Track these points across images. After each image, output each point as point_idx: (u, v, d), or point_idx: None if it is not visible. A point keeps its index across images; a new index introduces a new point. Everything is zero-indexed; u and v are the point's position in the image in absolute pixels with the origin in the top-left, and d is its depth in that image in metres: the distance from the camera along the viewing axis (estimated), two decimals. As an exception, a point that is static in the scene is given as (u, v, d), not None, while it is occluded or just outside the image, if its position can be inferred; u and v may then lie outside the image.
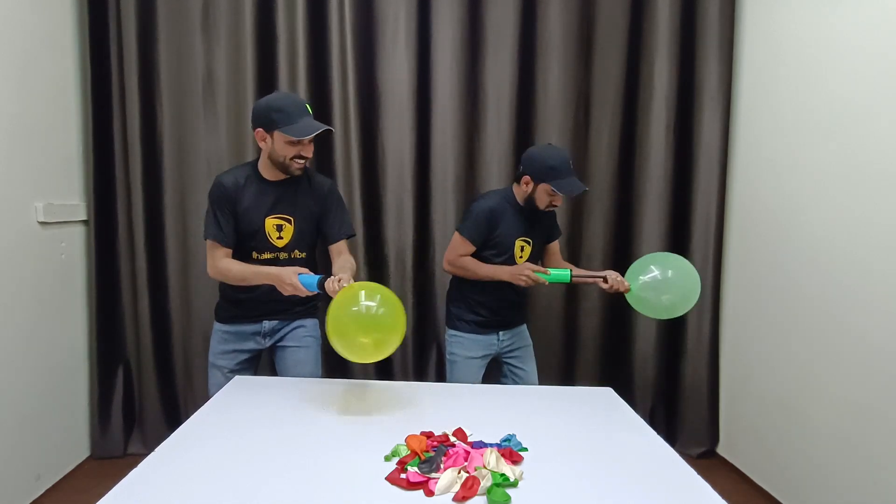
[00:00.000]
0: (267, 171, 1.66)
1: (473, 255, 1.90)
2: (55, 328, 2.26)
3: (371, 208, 2.58)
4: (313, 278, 1.49)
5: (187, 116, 2.48)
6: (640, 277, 1.71)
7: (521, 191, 1.86)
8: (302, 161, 1.59)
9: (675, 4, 2.54)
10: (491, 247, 1.88)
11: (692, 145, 2.63)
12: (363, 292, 1.36)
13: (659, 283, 1.68)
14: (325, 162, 2.53)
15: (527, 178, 1.82)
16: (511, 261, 1.89)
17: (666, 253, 1.82)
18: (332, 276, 1.47)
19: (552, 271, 1.75)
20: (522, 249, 1.91)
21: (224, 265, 1.63)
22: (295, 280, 1.47)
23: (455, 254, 1.89)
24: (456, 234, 1.89)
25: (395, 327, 1.35)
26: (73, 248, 2.38)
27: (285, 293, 1.50)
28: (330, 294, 1.43)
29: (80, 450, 2.46)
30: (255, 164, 1.69)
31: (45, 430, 2.20)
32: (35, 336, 2.13)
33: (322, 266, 1.83)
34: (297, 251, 1.71)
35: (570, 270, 1.78)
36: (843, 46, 1.95)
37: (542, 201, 1.82)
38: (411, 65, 2.52)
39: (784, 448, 2.21)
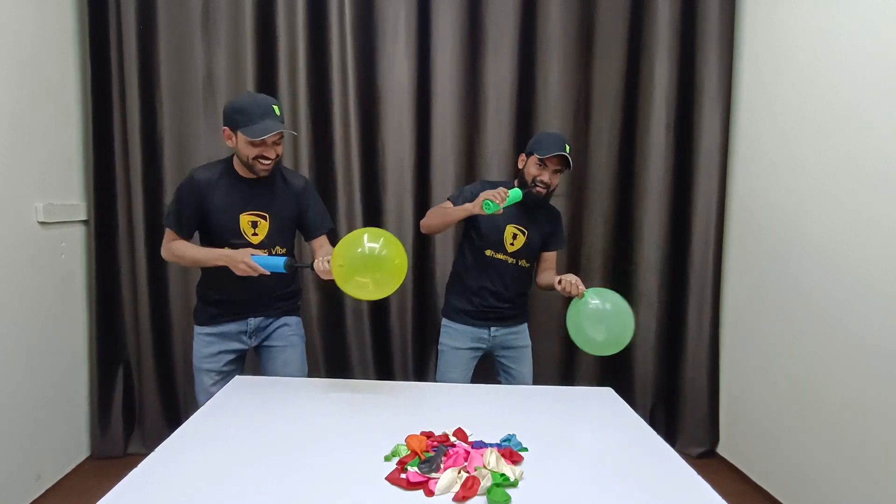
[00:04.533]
0: (241, 168, 1.66)
1: (469, 245, 1.95)
2: (55, 328, 2.26)
3: (371, 208, 2.58)
4: (277, 259, 1.52)
5: (187, 116, 2.48)
6: (591, 301, 1.62)
7: (519, 173, 1.92)
8: (266, 162, 1.59)
9: (675, 4, 2.54)
10: (480, 228, 1.90)
11: (692, 145, 2.63)
12: (366, 235, 1.42)
13: (601, 315, 1.61)
14: (326, 162, 2.53)
15: (522, 155, 1.91)
16: (501, 247, 1.90)
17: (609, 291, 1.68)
18: (320, 258, 1.52)
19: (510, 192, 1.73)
20: (515, 237, 1.91)
21: (177, 248, 1.66)
22: (248, 259, 1.51)
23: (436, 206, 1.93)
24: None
25: (396, 266, 1.41)
26: (73, 248, 2.38)
27: (237, 272, 1.53)
28: (320, 274, 1.50)
29: (80, 450, 2.46)
30: (230, 160, 1.69)
31: (45, 430, 2.20)
32: (35, 336, 2.13)
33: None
34: (278, 247, 1.72)
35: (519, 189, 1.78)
36: (844, 46, 1.95)
37: (529, 175, 1.85)
38: (411, 65, 2.52)
39: (784, 448, 2.21)
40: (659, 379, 2.74)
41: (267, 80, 2.48)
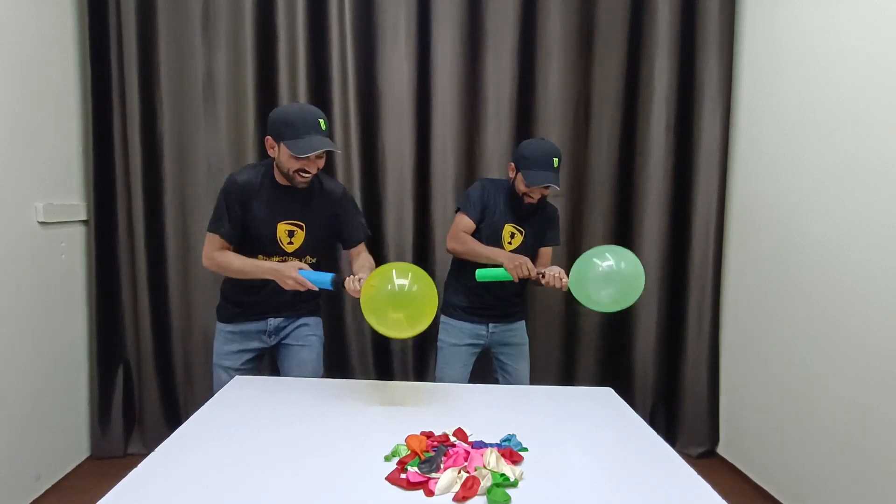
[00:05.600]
0: (279, 176, 1.65)
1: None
2: (55, 328, 2.26)
3: (371, 208, 2.58)
4: (325, 276, 1.50)
5: (187, 116, 2.48)
6: (586, 271, 1.56)
7: (510, 177, 1.92)
8: (307, 175, 1.58)
9: (675, 4, 2.54)
10: (478, 227, 1.90)
11: (692, 145, 2.63)
12: (394, 271, 1.39)
13: (601, 276, 1.53)
14: (326, 162, 2.51)
15: (512, 164, 1.89)
16: (499, 245, 1.90)
17: (612, 246, 1.62)
18: (352, 276, 1.50)
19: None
20: (513, 237, 1.92)
21: (223, 258, 1.64)
22: (296, 274, 1.50)
23: (457, 229, 1.91)
24: (457, 212, 1.94)
25: (428, 303, 1.38)
26: (73, 248, 2.38)
27: (286, 287, 1.52)
28: (351, 293, 1.47)
29: (80, 450, 2.46)
30: (270, 166, 1.66)
31: (45, 430, 2.20)
32: (35, 336, 2.13)
33: (331, 266, 1.84)
34: (308, 256, 1.72)
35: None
36: (844, 46, 1.95)
37: (519, 189, 1.86)
38: (411, 65, 2.52)
39: (784, 448, 2.21)
40: (659, 379, 2.74)
41: (267, 80, 2.48)
